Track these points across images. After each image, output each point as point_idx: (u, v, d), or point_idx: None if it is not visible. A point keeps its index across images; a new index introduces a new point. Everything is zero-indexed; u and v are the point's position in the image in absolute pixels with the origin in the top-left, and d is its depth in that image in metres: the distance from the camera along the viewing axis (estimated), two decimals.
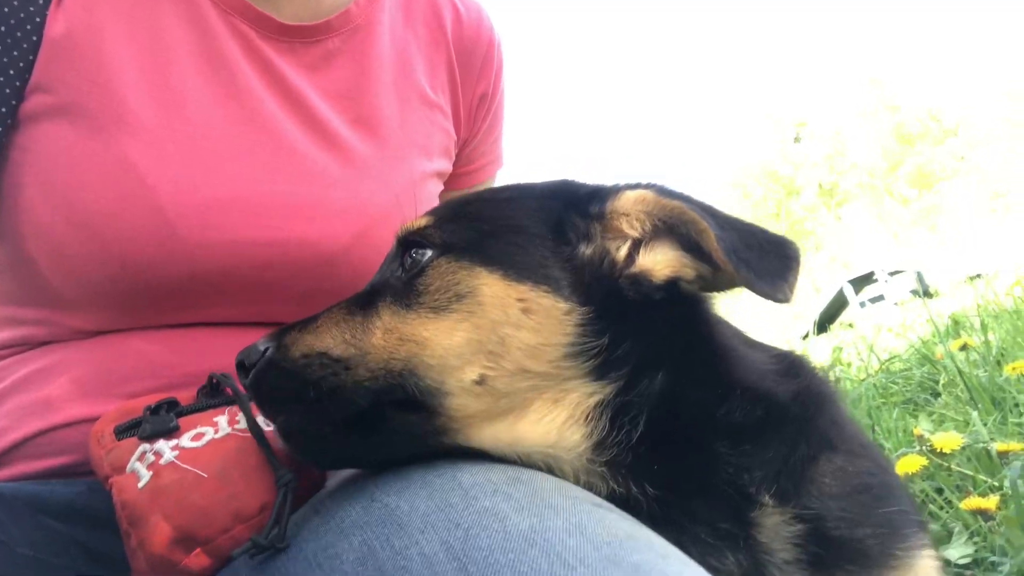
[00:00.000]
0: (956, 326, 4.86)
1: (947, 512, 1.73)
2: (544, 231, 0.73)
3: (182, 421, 0.79)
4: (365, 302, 0.76)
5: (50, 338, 0.97)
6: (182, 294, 0.95)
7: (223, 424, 0.76)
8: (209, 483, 0.71)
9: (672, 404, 0.68)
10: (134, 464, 0.74)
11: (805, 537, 0.68)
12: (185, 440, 0.75)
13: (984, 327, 3.49)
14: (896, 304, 11.00)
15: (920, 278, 13.35)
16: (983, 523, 1.46)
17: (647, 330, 0.70)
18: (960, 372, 2.54)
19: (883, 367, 3.83)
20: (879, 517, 0.70)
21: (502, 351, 0.68)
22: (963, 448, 1.91)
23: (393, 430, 0.69)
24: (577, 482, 0.69)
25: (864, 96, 48.29)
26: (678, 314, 0.71)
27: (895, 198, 44.21)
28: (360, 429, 0.70)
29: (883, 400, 3.06)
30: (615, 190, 0.74)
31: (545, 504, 0.61)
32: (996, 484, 1.71)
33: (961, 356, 3.00)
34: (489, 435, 0.69)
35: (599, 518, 0.61)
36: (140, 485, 0.71)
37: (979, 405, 2.33)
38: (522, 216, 0.75)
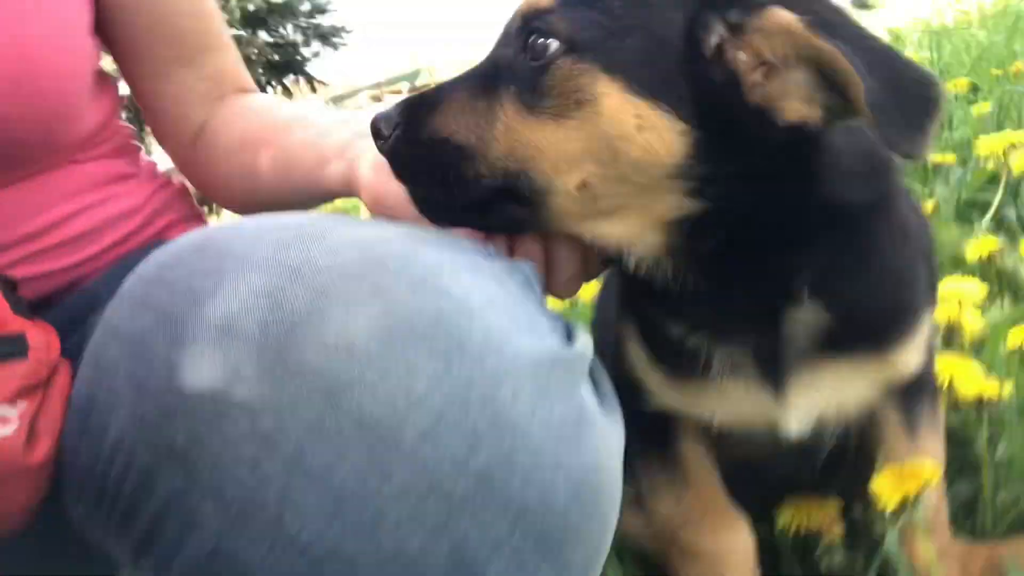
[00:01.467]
0: (897, 41, 4.93)
1: None
2: (676, 36, 0.68)
3: None
4: (488, 85, 0.74)
5: None
6: None
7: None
8: None
9: (753, 223, 0.70)
10: None
11: (826, 324, 0.75)
12: None
13: (931, 42, 3.54)
14: None
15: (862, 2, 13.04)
16: None
17: (754, 159, 0.68)
18: None
19: None
20: (898, 300, 0.79)
21: (609, 161, 0.68)
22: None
23: (504, 215, 0.73)
24: (639, 270, 0.74)
25: None
26: (791, 144, 0.68)
27: None
28: (478, 211, 0.74)
29: None
30: (761, 5, 0.65)
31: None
32: (929, 192, 1.88)
33: None
34: (582, 229, 0.73)
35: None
36: None
37: None
38: (655, 15, 0.69)
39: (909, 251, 0.81)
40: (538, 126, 0.70)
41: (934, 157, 2.02)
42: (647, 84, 0.67)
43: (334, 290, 0.55)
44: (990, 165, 1.78)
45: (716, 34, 0.67)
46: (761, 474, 0.97)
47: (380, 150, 0.77)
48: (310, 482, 0.51)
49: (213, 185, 1.11)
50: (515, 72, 0.72)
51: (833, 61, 0.62)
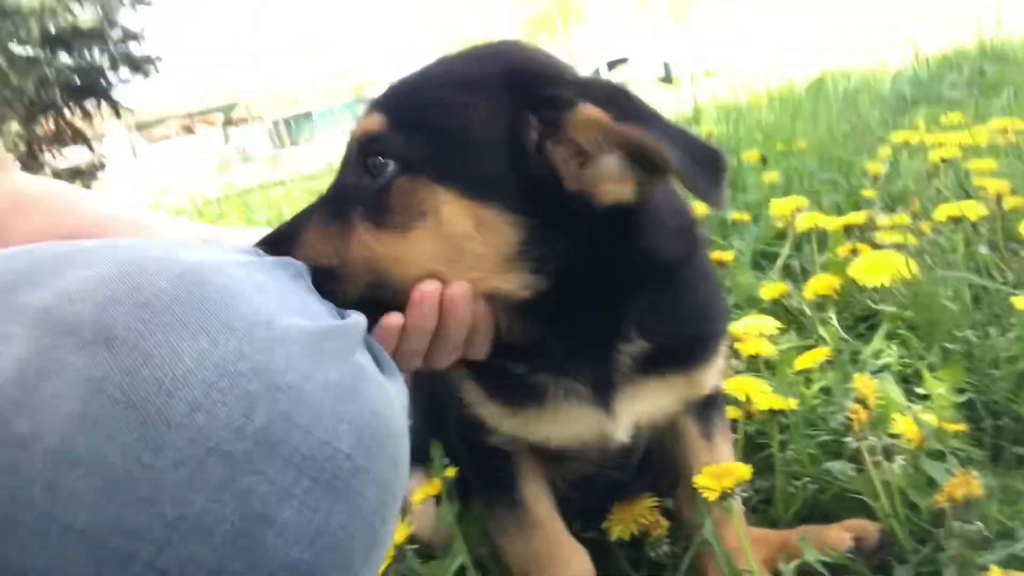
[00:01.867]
0: (698, 114, 5.49)
1: None
2: (498, 138, 0.76)
3: None
4: (338, 210, 0.79)
5: None
6: None
7: None
8: None
9: (589, 286, 0.79)
10: None
11: (647, 352, 0.86)
12: None
13: (727, 118, 3.99)
14: (644, 89, 11.84)
15: (667, 67, 14.37)
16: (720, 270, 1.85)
17: (583, 233, 0.77)
18: None
19: None
20: (699, 333, 0.92)
21: (457, 257, 0.75)
22: (707, 217, 2.32)
23: (375, 319, 0.76)
24: (498, 325, 0.81)
25: None
26: (612, 218, 0.77)
27: None
28: None
29: None
30: (571, 103, 0.75)
31: None
32: (728, 244, 2.13)
33: None
34: None
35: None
36: None
37: None
38: (477, 123, 0.77)
39: (709, 291, 0.94)
40: (388, 239, 0.76)
41: (733, 215, 2.30)
42: (479, 187, 0.75)
43: (88, 293, 0.57)
44: (779, 224, 2.06)
45: (535, 131, 0.76)
46: (591, 485, 1.06)
47: None
48: (80, 469, 0.52)
49: None
50: (360, 194, 0.78)
51: (643, 143, 0.72)
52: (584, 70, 0.92)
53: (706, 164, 0.73)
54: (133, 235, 0.91)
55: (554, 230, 0.76)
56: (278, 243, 0.79)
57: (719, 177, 0.73)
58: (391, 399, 0.66)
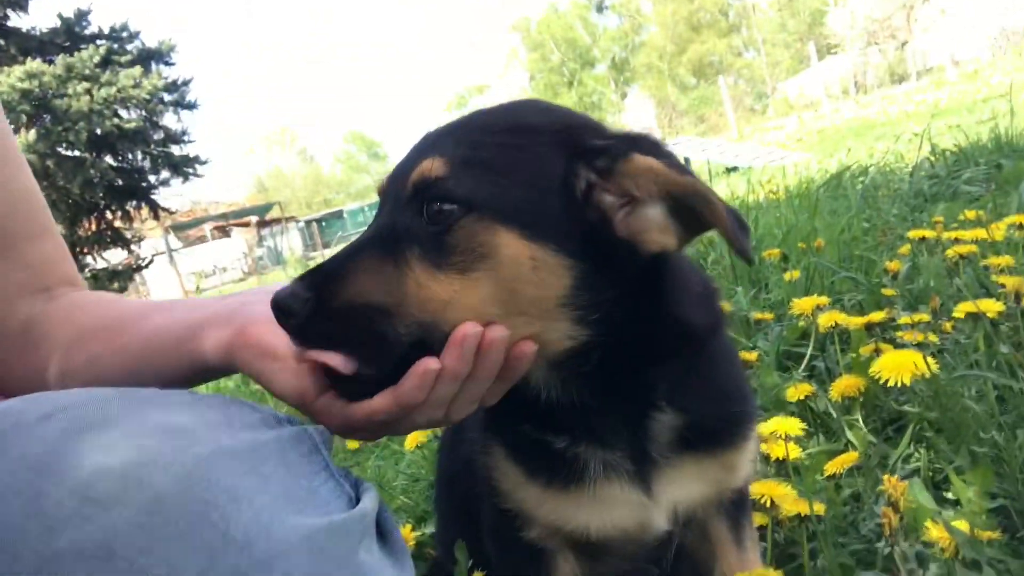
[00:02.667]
0: None
1: None
2: (554, 184, 0.80)
3: None
4: (391, 249, 0.81)
5: None
6: None
7: None
8: None
9: (625, 342, 0.83)
10: None
11: (680, 426, 0.91)
12: None
13: (747, 215, 4.05)
14: None
15: (687, 162, 14.66)
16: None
17: (624, 283, 0.81)
18: (728, 254, 3.01)
19: None
20: (731, 413, 0.95)
21: (510, 300, 0.78)
22: (731, 315, 2.35)
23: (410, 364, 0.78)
24: (534, 383, 0.86)
25: None
26: (651, 267, 0.82)
27: (676, 85, 47.67)
28: (396, 368, 0.78)
29: None
30: (624, 152, 0.79)
31: None
32: (751, 344, 2.15)
33: None
34: None
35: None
36: None
37: (740, 283, 2.81)
38: (534, 167, 0.81)
39: (735, 371, 0.99)
40: (446, 281, 0.78)
41: (755, 314, 2.33)
42: (537, 229, 0.79)
43: (96, 492, 0.56)
44: (802, 323, 2.08)
45: (584, 180, 0.81)
46: None
47: (287, 327, 0.79)
48: None
49: (37, 380, 0.97)
50: (416, 235, 0.80)
51: (696, 190, 0.77)
52: None
53: (742, 224, 0.79)
54: (168, 308, 0.94)
55: (601, 278, 0.80)
56: (325, 278, 0.80)
57: (748, 235, 0.79)
58: None
